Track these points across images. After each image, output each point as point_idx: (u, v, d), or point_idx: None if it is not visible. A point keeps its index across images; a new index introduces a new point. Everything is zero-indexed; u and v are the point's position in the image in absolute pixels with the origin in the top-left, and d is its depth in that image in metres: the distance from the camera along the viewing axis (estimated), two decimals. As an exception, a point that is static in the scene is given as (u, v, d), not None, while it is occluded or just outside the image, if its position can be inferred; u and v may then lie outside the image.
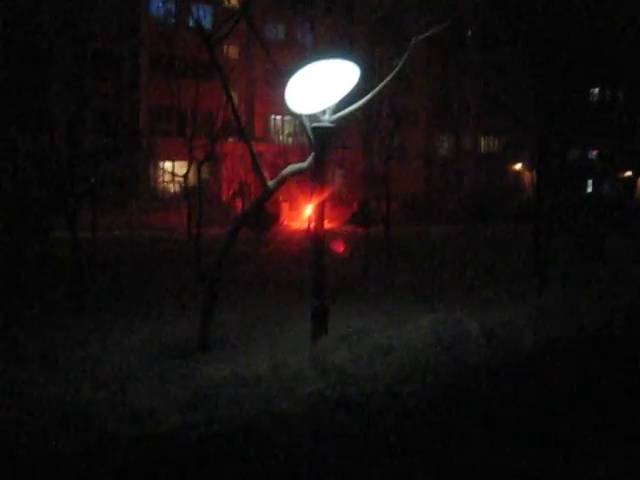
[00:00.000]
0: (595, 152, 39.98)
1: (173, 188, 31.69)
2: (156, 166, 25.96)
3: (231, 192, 26.19)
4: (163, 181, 31.85)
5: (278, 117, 36.10)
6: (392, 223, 18.18)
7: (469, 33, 34.17)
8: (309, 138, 6.88)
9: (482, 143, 39.44)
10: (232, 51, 31.17)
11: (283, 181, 7.09)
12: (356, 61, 6.69)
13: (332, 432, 4.83)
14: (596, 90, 25.03)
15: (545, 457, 4.30)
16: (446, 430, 4.77)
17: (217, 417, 5.04)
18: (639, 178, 38.02)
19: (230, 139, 26.16)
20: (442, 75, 34.94)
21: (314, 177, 6.87)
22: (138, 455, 4.50)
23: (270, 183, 7.03)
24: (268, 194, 7.12)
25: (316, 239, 6.98)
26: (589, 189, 41.70)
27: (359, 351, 6.62)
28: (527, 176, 36.79)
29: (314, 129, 6.75)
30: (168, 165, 28.31)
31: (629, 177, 40.81)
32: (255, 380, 5.84)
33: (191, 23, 8.08)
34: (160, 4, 22.91)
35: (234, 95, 30.39)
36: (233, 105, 7.27)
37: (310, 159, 7.13)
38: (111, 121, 22.81)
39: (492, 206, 32.40)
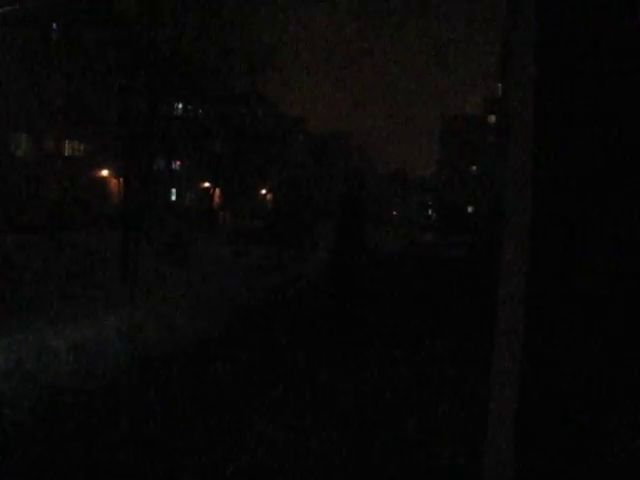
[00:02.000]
0: (178, 163, 42.46)
1: None
2: None
3: None
4: None
5: None
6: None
7: (54, 27, 32.15)
8: None
9: (67, 147, 37.43)
10: None
11: None
12: None
13: None
14: (180, 105, 26.44)
15: None
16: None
17: None
18: (215, 189, 41.73)
19: None
20: (20, 68, 31.97)
21: None
22: None
23: None
24: None
25: None
26: (173, 197, 44.05)
27: None
28: (114, 183, 36.52)
29: None
30: None
31: (207, 187, 44.54)
32: None
33: None
34: None
35: None
36: None
37: None
38: None
39: (78, 212, 31.13)
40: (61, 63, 26.19)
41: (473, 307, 8.67)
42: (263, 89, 28.69)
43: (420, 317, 8.87)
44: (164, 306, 9.82)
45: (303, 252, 20.25)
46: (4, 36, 25.81)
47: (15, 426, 4.86)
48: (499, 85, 40.14)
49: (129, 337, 7.64)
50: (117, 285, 11.70)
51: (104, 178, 37.74)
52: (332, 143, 63.45)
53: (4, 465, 4.24)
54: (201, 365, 6.49)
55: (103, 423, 4.89)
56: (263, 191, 50.55)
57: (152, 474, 4.22)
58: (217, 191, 44.81)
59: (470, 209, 55.15)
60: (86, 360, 6.49)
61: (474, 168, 58.98)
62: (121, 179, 20.40)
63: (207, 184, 44.75)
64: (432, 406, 5.37)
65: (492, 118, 51.05)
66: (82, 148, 37.45)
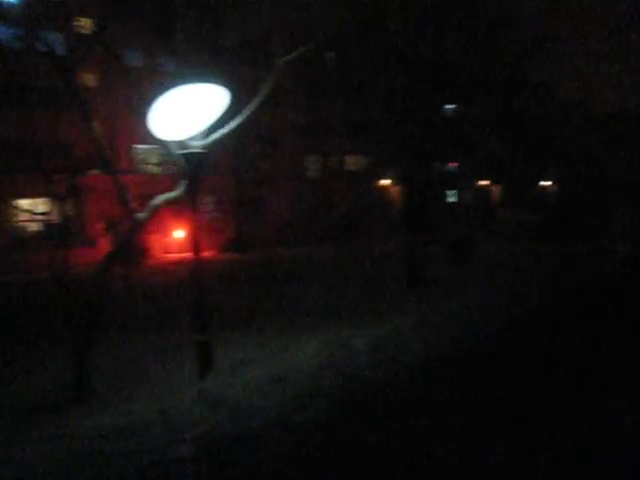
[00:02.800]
0: (454, 164, 42.61)
1: (32, 227, 29.57)
2: (10, 204, 23.97)
3: (97, 228, 24.83)
4: (20, 220, 29.60)
5: (143, 146, 35.00)
6: (267, 246, 18.14)
7: (330, 56, 35.18)
8: (179, 166, 6.58)
9: (349, 162, 40.59)
10: (89, 79, 29.81)
11: (154, 212, 6.71)
12: (224, 84, 6.51)
13: (227, 473, 4.56)
14: (451, 106, 26.66)
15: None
16: (344, 457, 4.65)
17: (104, 476, 4.57)
18: (494, 185, 40.88)
19: (93, 172, 24.87)
20: (307, 96, 35.69)
21: (187, 205, 6.57)
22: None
23: (141, 215, 6.63)
24: (139, 226, 6.71)
25: (195, 269, 6.66)
26: (452, 199, 44.33)
27: (249, 382, 6.38)
28: (394, 190, 38.34)
29: (184, 156, 6.46)
30: (25, 203, 26.38)
31: (486, 185, 43.92)
32: (142, 429, 5.39)
33: (41, 48, 7.47)
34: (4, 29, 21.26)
35: (94, 126, 29.04)
36: (95, 134, 6.79)
37: (181, 187, 6.83)
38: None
39: (363, 222, 33.36)
40: (338, 86, 28.43)
41: None
42: (537, 75, 27.41)
43: None
44: (452, 307, 10.04)
45: (598, 246, 18.65)
46: (291, 71, 29.09)
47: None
48: None
49: (419, 334, 8.03)
50: (405, 288, 12.31)
51: (385, 187, 39.84)
52: (620, 122, 56.95)
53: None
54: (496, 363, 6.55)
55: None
56: (545, 182, 47.80)
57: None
58: (497, 187, 43.90)
59: None
60: (381, 356, 7.04)
61: None
62: (401, 186, 21.39)
63: (485, 182, 44.17)
64: None
65: None
66: (363, 161, 40.15)
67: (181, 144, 6.60)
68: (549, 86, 36.84)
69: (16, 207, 24.68)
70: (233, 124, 7.02)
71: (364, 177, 39.86)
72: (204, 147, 6.66)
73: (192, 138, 6.57)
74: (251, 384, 6.31)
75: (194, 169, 6.46)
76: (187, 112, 6.30)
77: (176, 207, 7.26)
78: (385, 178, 39.32)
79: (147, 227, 7.21)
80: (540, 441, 4.68)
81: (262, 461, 4.68)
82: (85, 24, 9.30)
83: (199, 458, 4.85)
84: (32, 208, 22.39)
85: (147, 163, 35.12)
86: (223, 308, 10.01)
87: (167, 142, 6.70)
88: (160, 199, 6.76)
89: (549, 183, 47.85)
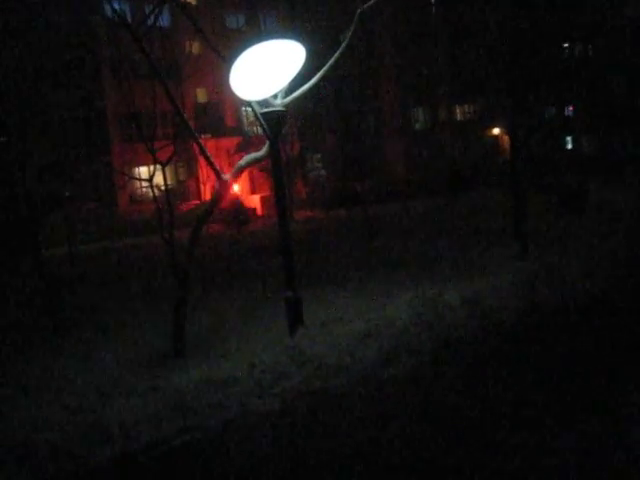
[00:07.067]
0: (571, 108, 39.82)
1: (152, 193, 31.38)
2: (131, 172, 25.51)
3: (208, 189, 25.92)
4: (141, 186, 31.42)
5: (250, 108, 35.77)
6: (373, 202, 18.04)
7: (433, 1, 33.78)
8: (261, 125, 6.60)
9: (457, 112, 39.08)
10: (195, 46, 30.64)
11: (240, 172, 6.82)
12: (301, 40, 6.40)
13: (311, 427, 4.63)
14: (566, 45, 24.82)
15: (533, 434, 4.09)
16: (432, 414, 4.55)
17: (191, 426, 4.83)
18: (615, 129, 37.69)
19: (204, 136, 25.82)
20: (412, 47, 34.58)
21: (272, 165, 6.60)
22: (109, 477, 4.30)
23: (226, 176, 6.75)
24: (225, 187, 6.84)
25: (282, 229, 6.72)
26: (569, 145, 41.56)
27: (337, 339, 6.41)
28: (505, 140, 36.54)
29: (264, 115, 6.46)
30: (144, 170, 27.95)
31: (607, 130, 40.60)
32: (231, 382, 5.62)
33: (113, 17, 7.69)
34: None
35: (201, 91, 29.98)
36: (173, 100, 6.93)
37: (266, 147, 6.86)
38: (78, 132, 22.47)
39: (472, 173, 32.18)
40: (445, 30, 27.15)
41: None
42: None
43: None
44: (556, 260, 9.49)
45: None
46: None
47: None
48: None
49: (520, 290, 7.67)
50: (509, 242, 11.79)
51: (495, 136, 38.13)
52: None
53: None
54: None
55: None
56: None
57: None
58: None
59: None
60: (475, 312, 6.80)
61: None
62: (508, 135, 20.28)
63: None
64: None
65: None
66: (472, 111, 38.55)
67: (263, 103, 6.60)
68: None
69: (131, 174, 26.24)
70: (314, 80, 6.91)
71: (474, 127, 38.33)
72: (285, 105, 6.62)
73: (274, 97, 6.55)
74: (338, 340, 6.34)
75: (275, 128, 6.45)
76: (266, 71, 6.27)
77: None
78: (496, 126, 37.58)
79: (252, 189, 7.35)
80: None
81: (345, 417, 4.71)
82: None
83: (283, 412, 4.96)
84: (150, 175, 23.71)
85: (254, 125, 35.88)
86: (319, 265, 10.12)
87: (250, 102, 6.73)
88: (244, 160, 6.85)
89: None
